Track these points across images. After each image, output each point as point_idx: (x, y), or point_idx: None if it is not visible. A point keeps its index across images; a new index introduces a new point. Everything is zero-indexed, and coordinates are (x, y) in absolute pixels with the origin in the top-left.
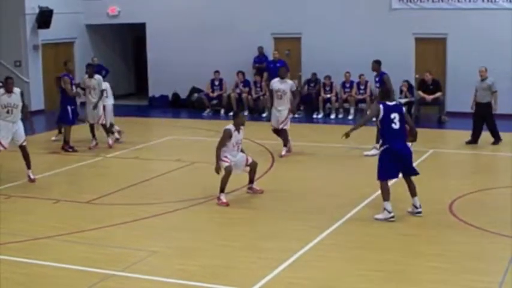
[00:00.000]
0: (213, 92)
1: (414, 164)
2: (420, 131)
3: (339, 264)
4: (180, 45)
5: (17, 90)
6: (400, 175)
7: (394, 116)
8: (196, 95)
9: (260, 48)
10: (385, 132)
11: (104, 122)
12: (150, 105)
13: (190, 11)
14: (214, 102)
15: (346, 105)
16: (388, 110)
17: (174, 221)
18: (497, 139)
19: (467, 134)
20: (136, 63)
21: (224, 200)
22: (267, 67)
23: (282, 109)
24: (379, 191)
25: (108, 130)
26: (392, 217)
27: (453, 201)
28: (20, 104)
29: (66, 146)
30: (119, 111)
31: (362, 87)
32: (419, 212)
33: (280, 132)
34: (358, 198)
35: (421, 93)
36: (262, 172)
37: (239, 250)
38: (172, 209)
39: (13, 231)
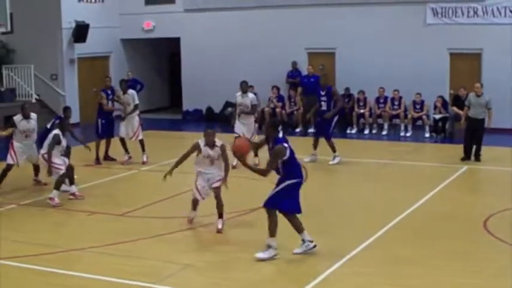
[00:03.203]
0: None
1: (446, 182)
2: (455, 147)
3: (372, 279)
4: (214, 60)
5: (33, 116)
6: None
7: (291, 146)
8: (230, 109)
9: (294, 63)
10: (293, 166)
11: (141, 138)
12: (184, 119)
13: (225, 26)
14: None
15: (380, 120)
16: (289, 144)
17: (207, 234)
18: (468, 155)
19: (502, 150)
20: (171, 77)
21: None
22: (300, 82)
23: (246, 122)
24: (413, 207)
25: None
26: (276, 255)
27: (487, 218)
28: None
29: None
30: (153, 124)
31: (396, 102)
32: (315, 246)
33: None
34: (392, 213)
35: (455, 109)
36: None
37: (273, 265)
38: (205, 223)
39: (48, 243)
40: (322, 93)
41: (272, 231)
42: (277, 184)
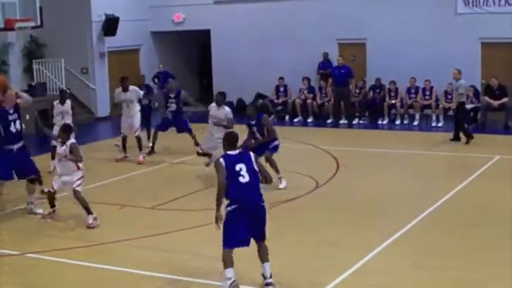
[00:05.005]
0: (277, 98)
1: (478, 172)
2: (486, 137)
3: (404, 271)
4: (245, 52)
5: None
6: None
7: (240, 167)
8: (261, 101)
9: (325, 54)
10: (230, 189)
11: (139, 134)
12: None
13: (255, 17)
14: (279, 108)
15: (411, 111)
16: (232, 162)
17: None
18: (455, 137)
19: None
20: (201, 69)
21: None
22: (331, 73)
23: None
24: (445, 197)
25: (141, 145)
26: (234, 282)
27: None
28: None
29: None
30: None
31: (427, 92)
32: (270, 284)
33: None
34: (424, 204)
35: (487, 98)
36: (326, 178)
37: (304, 257)
38: None
39: (80, 236)
40: (252, 122)
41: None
42: None
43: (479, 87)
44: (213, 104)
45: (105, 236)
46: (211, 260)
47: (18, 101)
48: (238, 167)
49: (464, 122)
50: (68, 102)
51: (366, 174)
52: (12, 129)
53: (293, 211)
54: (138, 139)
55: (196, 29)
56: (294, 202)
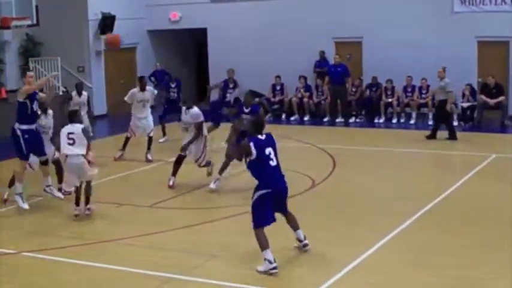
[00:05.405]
0: (274, 96)
1: (475, 170)
2: (483, 136)
3: (401, 269)
4: (241, 50)
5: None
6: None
7: (269, 151)
8: (257, 99)
9: (321, 53)
10: (261, 173)
11: (152, 134)
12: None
13: (252, 16)
14: (276, 106)
15: (407, 109)
16: (261, 146)
17: (235, 225)
18: (452, 135)
19: None
20: (198, 68)
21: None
22: (328, 71)
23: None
24: (442, 196)
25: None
26: (275, 268)
27: None
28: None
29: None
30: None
31: (424, 91)
32: (307, 245)
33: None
34: (421, 203)
35: (483, 97)
36: (323, 177)
37: (301, 255)
38: (233, 214)
39: (77, 235)
40: (246, 110)
41: (260, 245)
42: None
43: (475, 86)
44: (184, 108)
45: (102, 234)
46: (208, 258)
47: (43, 94)
48: (267, 151)
49: (442, 120)
50: (85, 93)
51: (363, 173)
52: (34, 107)
53: (290, 209)
54: (151, 139)
55: (192, 27)
56: (290, 200)
